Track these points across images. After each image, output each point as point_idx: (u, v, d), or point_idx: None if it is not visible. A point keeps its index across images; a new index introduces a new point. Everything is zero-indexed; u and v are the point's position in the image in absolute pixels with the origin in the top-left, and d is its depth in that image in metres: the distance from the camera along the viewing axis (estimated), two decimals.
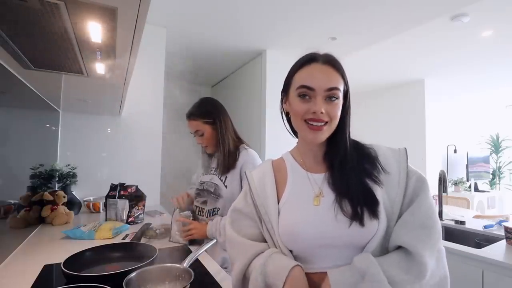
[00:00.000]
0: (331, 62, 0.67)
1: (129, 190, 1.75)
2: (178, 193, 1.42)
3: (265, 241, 0.71)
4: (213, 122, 1.28)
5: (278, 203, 0.69)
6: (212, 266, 1.02)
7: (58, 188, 1.94)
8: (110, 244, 1.09)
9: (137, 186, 1.80)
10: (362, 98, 5.09)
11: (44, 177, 1.85)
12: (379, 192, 0.63)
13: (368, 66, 3.81)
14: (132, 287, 0.73)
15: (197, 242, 1.26)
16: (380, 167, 0.66)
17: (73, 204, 1.88)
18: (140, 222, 1.71)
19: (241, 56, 3.34)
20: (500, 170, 5.17)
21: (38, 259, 1.07)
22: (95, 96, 1.68)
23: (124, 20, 0.72)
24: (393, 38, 2.83)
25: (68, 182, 1.98)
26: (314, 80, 0.64)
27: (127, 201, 1.71)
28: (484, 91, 4.90)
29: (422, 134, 4.36)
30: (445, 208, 2.10)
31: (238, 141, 1.34)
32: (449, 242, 1.48)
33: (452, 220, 1.91)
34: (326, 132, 0.66)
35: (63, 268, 0.82)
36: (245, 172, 0.80)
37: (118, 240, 1.34)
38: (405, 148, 0.69)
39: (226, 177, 1.26)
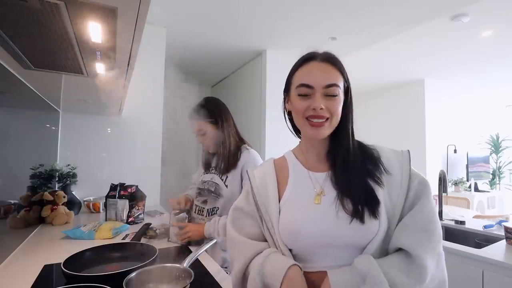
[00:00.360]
0: (330, 59, 0.67)
1: (129, 190, 1.75)
2: (178, 193, 1.42)
3: (266, 240, 0.71)
4: (216, 121, 1.28)
5: (279, 201, 0.70)
6: (212, 266, 1.02)
7: (58, 188, 1.94)
8: (110, 244, 1.09)
9: (137, 186, 1.80)
10: (362, 98, 5.09)
11: (44, 177, 1.86)
12: (381, 193, 0.63)
13: (368, 66, 3.81)
14: (132, 287, 0.73)
15: (197, 242, 1.26)
16: (382, 168, 0.66)
17: (73, 204, 1.88)
18: (140, 222, 1.71)
19: (241, 56, 3.34)
20: (500, 170, 5.17)
21: (38, 259, 1.08)
22: (95, 96, 1.68)
23: (124, 20, 0.72)
24: (393, 38, 2.83)
25: (68, 182, 1.98)
26: (312, 77, 0.65)
27: (127, 201, 1.71)
28: (484, 91, 4.90)
29: (422, 134, 4.36)
30: (445, 208, 2.10)
31: (240, 141, 1.34)
32: (449, 242, 1.48)
33: (452, 220, 1.91)
34: (327, 128, 0.66)
35: (63, 268, 0.82)
36: (246, 171, 0.80)
37: (118, 240, 1.34)
38: (408, 151, 0.69)
39: (227, 176, 1.26)
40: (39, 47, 0.89)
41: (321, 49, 0.70)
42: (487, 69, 3.80)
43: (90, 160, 2.25)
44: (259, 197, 0.71)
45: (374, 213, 0.61)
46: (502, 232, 1.51)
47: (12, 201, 1.66)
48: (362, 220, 0.60)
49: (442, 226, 1.11)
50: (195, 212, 1.35)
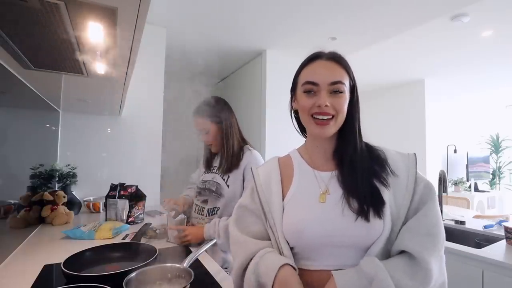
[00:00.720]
0: (335, 58, 0.68)
1: (129, 190, 1.75)
2: (178, 193, 1.42)
3: (269, 238, 0.71)
4: (219, 121, 1.28)
5: (283, 200, 0.70)
6: (212, 266, 1.02)
7: (58, 188, 1.94)
8: (110, 244, 1.09)
9: (137, 186, 1.80)
10: (362, 98, 5.06)
11: (44, 177, 1.85)
12: (386, 194, 0.63)
13: (368, 66, 3.81)
14: (132, 287, 0.73)
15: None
16: (389, 170, 0.66)
17: (73, 204, 1.87)
18: (140, 222, 1.71)
19: (241, 56, 3.33)
20: (500, 170, 5.17)
21: (38, 259, 1.07)
22: (95, 96, 1.68)
23: (124, 20, 0.72)
24: (393, 38, 2.83)
25: (68, 182, 1.98)
26: (317, 75, 0.66)
27: (127, 201, 1.71)
28: (484, 91, 4.90)
29: (422, 134, 4.36)
30: (445, 208, 2.10)
31: (243, 142, 1.34)
32: (449, 242, 1.48)
33: (452, 220, 1.91)
34: (333, 126, 0.66)
35: (63, 268, 0.82)
36: (251, 168, 0.80)
37: (118, 240, 1.34)
38: (415, 154, 0.70)
39: (228, 176, 1.26)
40: (39, 47, 0.89)
41: (323, 49, 0.70)
42: (487, 69, 3.79)
43: (90, 160, 2.25)
44: (263, 195, 0.72)
45: (379, 213, 0.61)
46: (502, 232, 1.51)
47: (12, 201, 1.66)
48: (367, 219, 0.60)
49: None
50: (195, 211, 1.35)
